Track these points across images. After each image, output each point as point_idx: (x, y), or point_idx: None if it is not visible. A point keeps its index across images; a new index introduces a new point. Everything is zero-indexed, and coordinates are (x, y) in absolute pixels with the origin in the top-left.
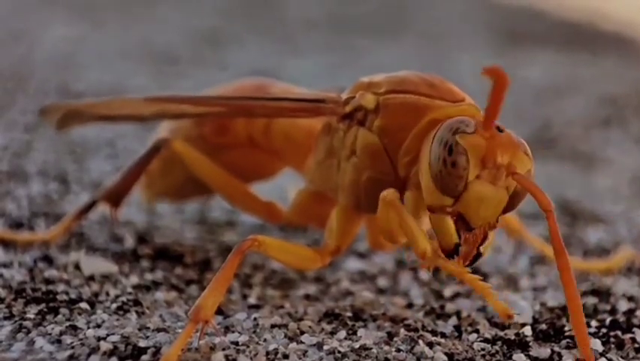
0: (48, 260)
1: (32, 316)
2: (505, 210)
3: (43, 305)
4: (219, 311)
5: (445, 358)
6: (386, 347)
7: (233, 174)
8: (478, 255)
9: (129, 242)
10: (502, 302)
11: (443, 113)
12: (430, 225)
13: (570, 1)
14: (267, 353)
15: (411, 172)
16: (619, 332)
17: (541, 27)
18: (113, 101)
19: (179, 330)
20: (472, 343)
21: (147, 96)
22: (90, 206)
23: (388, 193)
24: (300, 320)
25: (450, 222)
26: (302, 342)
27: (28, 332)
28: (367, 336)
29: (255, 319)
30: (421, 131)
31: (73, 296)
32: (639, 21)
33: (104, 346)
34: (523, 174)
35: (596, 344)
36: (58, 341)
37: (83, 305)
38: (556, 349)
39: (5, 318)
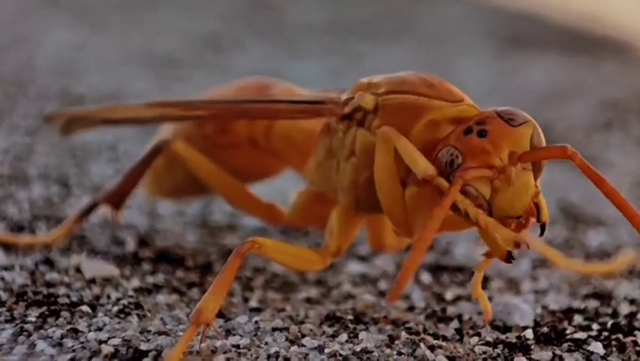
0: (49, 263)
1: (33, 319)
2: (536, 178)
3: (44, 308)
4: (220, 314)
5: None
6: (387, 350)
7: (234, 173)
8: (544, 226)
9: (130, 245)
10: (507, 233)
11: (441, 113)
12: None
13: (571, 5)
14: (269, 357)
15: (410, 173)
16: (620, 336)
17: (542, 31)
18: (115, 108)
19: (181, 333)
20: (474, 346)
21: (148, 102)
22: (91, 209)
23: (385, 128)
24: (302, 323)
25: (495, 235)
26: (303, 345)
27: (29, 335)
28: (368, 339)
29: (256, 322)
30: (420, 131)
31: (74, 299)
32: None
33: (106, 349)
34: (527, 152)
35: (598, 348)
36: (60, 345)
37: (84, 308)
38: (558, 352)
39: (6, 321)
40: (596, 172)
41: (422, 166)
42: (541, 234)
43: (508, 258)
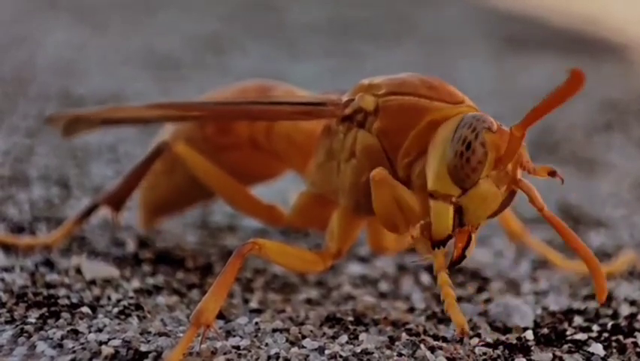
0: (49, 264)
1: (33, 320)
2: (493, 214)
3: (44, 310)
4: (221, 315)
5: None
6: (388, 352)
7: (235, 175)
8: (463, 257)
9: (130, 246)
10: (461, 314)
11: (442, 114)
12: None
13: (570, 7)
14: (269, 358)
15: (411, 174)
16: (621, 337)
17: (541, 33)
18: (116, 109)
19: (181, 334)
20: (474, 347)
21: (149, 103)
22: (91, 210)
23: (377, 171)
24: (302, 324)
25: (450, 211)
26: (303, 346)
27: (30, 336)
28: (369, 340)
29: (256, 323)
30: (420, 132)
31: (74, 300)
32: (639, 26)
33: (106, 350)
34: (524, 181)
35: (598, 349)
36: (60, 346)
37: (85, 310)
38: (558, 353)
39: (7, 322)
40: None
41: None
42: (455, 265)
43: (444, 241)
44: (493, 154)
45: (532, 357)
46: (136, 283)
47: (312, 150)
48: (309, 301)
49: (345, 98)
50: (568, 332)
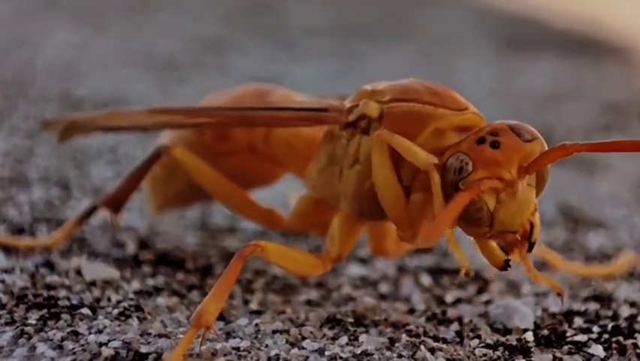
0: (49, 266)
1: (34, 321)
2: (538, 193)
3: (44, 311)
4: (221, 317)
5: None
6: (388, 353)
7: (234, 180)
8: (532, 245)
9: (131, 248)
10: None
11: (447, 122)
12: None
13: (571, 8)
14: (269, 359)
15: (415, 180)
16: (621, 338)
17: (542, 34)
18: (115, 114)
19: (181, 336)
20: (474, 349)
21: (148, 108)
22: (91, 211)
23: (379, 131)
24: (302, 325)
25: (492, 244)
26: (303, 348)
27: (30, 337)
28: (369, 342)
29: (256, 324)
30: (425, 140)
31: (74, 302)
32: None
33: (106, 352)
34: (532, 162)
35: (598, 350)
36: (60, 347)
37: (85, 311)
38: (558, 355)
39: (7, 324)
40: (603, 143)
41: (423, 157)
42: (530, 250)
43: (505, 266)
44: (490, 195)
45: (533, 358)
46: (136, 285)
47: (311, 155)
48: (309, 302)
49: (348, 104)
50: (568, 334)
